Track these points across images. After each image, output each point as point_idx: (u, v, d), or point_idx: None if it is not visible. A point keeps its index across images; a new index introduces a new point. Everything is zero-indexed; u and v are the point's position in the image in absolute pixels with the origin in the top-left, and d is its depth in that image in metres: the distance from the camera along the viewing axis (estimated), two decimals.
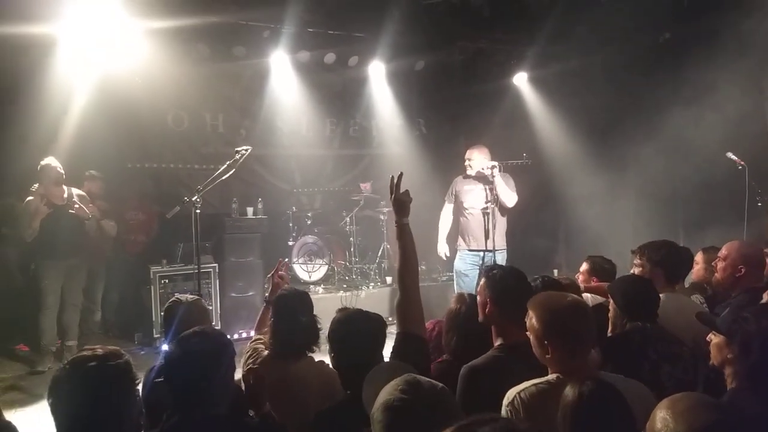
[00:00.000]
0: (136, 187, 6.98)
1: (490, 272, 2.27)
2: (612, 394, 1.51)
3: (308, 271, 7.35)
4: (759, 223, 5.20)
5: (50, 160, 5.25)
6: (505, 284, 2.20)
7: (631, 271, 3.29)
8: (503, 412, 1.83)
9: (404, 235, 2.29)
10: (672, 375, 2.14)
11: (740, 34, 5.81)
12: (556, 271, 7.64)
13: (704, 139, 5.90)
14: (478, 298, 2.30)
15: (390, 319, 3.32)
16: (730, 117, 5.76)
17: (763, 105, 6.39)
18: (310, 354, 2.65)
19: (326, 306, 6.00)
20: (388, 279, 7.42)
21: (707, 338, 2.12)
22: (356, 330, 2.19)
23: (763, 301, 2.66)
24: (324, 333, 2.40)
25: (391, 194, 2.37)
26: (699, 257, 3.53)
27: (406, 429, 1.24)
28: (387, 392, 1.33)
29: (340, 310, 2.35)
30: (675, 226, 7.03)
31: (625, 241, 7.28)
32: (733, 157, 5.27)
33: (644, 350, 2.20)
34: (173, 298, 2.77)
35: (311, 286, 7.19)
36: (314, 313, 2.71)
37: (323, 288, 7.24)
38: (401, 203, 2.32)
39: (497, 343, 2.19)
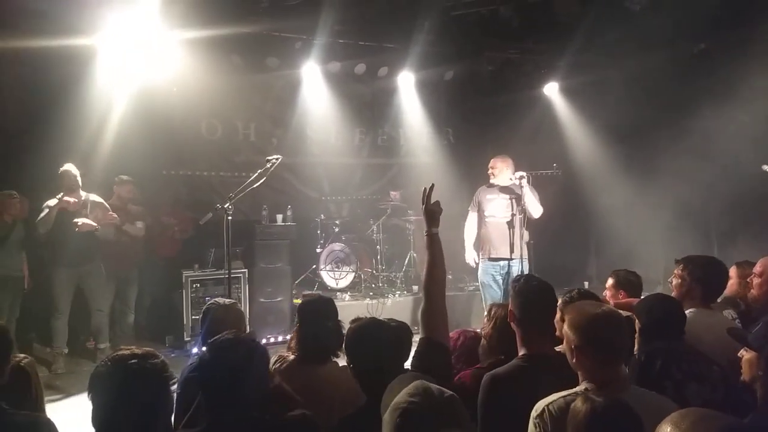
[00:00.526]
0: (170, 193, 7.17)
1: (515, 282, 2.30)
2: (624, 412, 1.50)
3: (335, 278, 7.42)
4: None
5: (68, 167, 5.41)
6: (529, 294, 2.22)
7: (669, 280, 3.24)
8: (531, 424, 1.82)
9: (433, 245, 2.34)
10: (699, 394, 2.10)
11: None
12: (586, 284, 7.55)
13: (738, 151, 5.79)
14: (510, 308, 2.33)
15: (416, 328, 3.34)
16: (764, 129, 5.64)
17: None
18: (335, 359, 2.68)
19: (352, 313, 5.98)
20: (415, 287, 7.44)
21: (739, 354, 2.09)
22: (369, 339, 2.23)
23: None
24: None
25: (423, 204, 2.41)
26: (732, 272, 3.45)
27: (412, 429, 1.28)
28: (399, 396, 1.39)
29: (354, 321, 2.39)
30: (708, 238, 6.88)
31: (656, 253, 7.19)
32: None
33: (667, 369, 2.18)
34: (211, 301, 2.85)
35: (338, 293, 7.25)
36: (339, 319, 2.73)
37: (350, 295, 7.30)
38: (432, 213, 2.38)
39: (521, 352, 2.20)
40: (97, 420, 1.69)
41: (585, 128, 7.83)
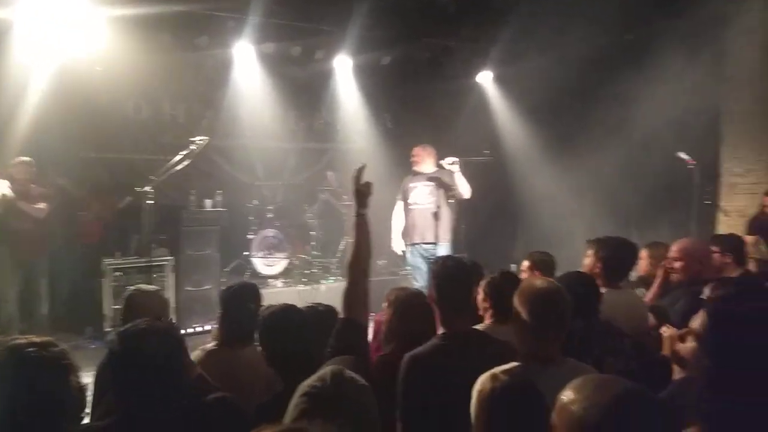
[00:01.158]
0: (93, 177, 6.78)
1: (432, 264, 2.36)
2: (525, 390, 1.54)
3: (268, 265, 7.27)
4: (706, 220, 5.38)
5: None
6: (445, 275, 2.26)
7: (583, 263, 3.36)
8: (474, 399, 1.81)
9: (360, 226, 2.32)
10: (615, 367, 2.20)
11: (697, 35, 5.99)
12: (513, 266, 7.75)
13: (658, 138, 6.07)
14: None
15: None
16: (683, 117, 5.94)
17: (716, 106, 6.61)
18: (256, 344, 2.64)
19: (285, 300, 5.92)
20: None
21: (661, 330, 2.19)
22: (281, 325, 2.24)
23: (705, 295, 2.72)
24: None
25: (353, 185, 2.39)
26: (643, 252, 3.61)
27: (315, 414, 1.25)
28: (309, 379, 1.36)
29: (264, 308, 2.42)
30: (626, 221, 7.22)
31: (580, 237, 7.48)
32: (685, 157, 5.42)
33: (587, 346, 2.25)
34: (133, 288, 2.77)
35: (270, 280, 7.12)
36: (264, 305, 2.71)
37: (283, 282, 7.18)
38: (361, 194, 2.35)
39: (441, 332, 2.22)
40: None
41: (516, 116, 8.02)
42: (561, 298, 1.98)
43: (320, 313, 2.72)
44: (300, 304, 5.66)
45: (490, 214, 7.41)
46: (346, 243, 7.60)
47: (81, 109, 6.44)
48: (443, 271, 2.26)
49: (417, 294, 2.51)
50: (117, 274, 5.82)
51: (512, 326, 2.05)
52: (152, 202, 3.98)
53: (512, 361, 1.94)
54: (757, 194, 5.63)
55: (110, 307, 5.70)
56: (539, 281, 2.09)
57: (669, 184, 6.03)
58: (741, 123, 6.55)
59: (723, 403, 1.40)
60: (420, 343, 2.14)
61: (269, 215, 7.54)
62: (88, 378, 2.02)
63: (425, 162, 5.84)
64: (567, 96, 7.31)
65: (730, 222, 5.86)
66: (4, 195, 5.23)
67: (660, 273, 3.39)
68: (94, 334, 5.86)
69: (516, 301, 2.00)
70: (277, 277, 7.25)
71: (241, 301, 2.69)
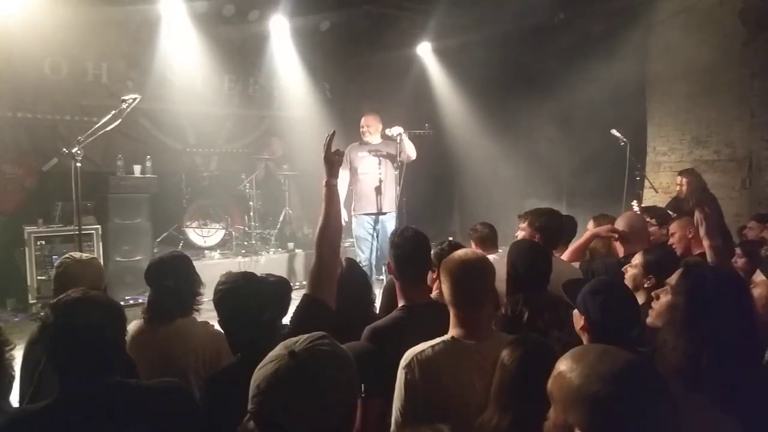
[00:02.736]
0: (10, 139, 6.24)
1: (392, 236, 2.32)
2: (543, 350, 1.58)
3: (203, 236, 7.04)
4: (635, 194, 5.69)
5: None
6: (403, 246, 2.24)
7: (516, 235, 3.46)
8: (400, 373, 1.84)
9: (331, 197, 2.18)
10: (560, 339, 2.25)
11: (626, 15, 6.23)
12: (450, 239, 7.93)
13: (591, 114, 6.31)
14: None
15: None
16: (615, 94, 6.20)
17: (642, 87, 6.94)
18: (189, 316, 2.59)
19: (222, 271, 5.75)
20: (290, 245, 7.30)
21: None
22: (238, 295, 2.13)
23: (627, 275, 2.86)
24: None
25: (324, 152, 2.25)
26: (590, 225, 3.77)
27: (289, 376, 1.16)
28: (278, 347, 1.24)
29: (224, 275, 2.28)
30: (559, 194, 7.53)
31: (512, 209, 7.75)
32: (617, 134, 5.68)
33: (533, 321, 2.29)
34: (65, 256, 2.57)
35: (206, 252, 6.90)
36: (195, 276, 2.66)
37: (220, 253, 6.97)
38: (332, 162, 2.22)
39: (401, 303, 2.22)
40: None
41: (455, 89, 8.08)
42: (483, 268, 1.96)
43: (272, 284, 2.65)
44: None
45: (429, 186, 7.49)
46: (286, 213, 7.47)
47: None
48: (402, 242, 2.24)
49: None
50: (41, 243, 5.47)
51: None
52: (80, 165, 3.70)
53: None
54: None
55: (35, 277, 5.35)
56: (462, 252, 2.05)
57: (601, 159, 6.31)
58: (664, 103, 6.95)
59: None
60: None
61: (204, 183, 7.25)
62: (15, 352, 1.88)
63: (377, 131, 5.77)
64: (505, 70, 7.43)
65: (656, 198, 6.24)
66: None
67: (587, 238, 3.58)
68: (18, 306, 5.56)
69: (440, 274, 1.98)
70: (214, 249, 7.04)
71: (157, 276, 2.57)
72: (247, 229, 7.35)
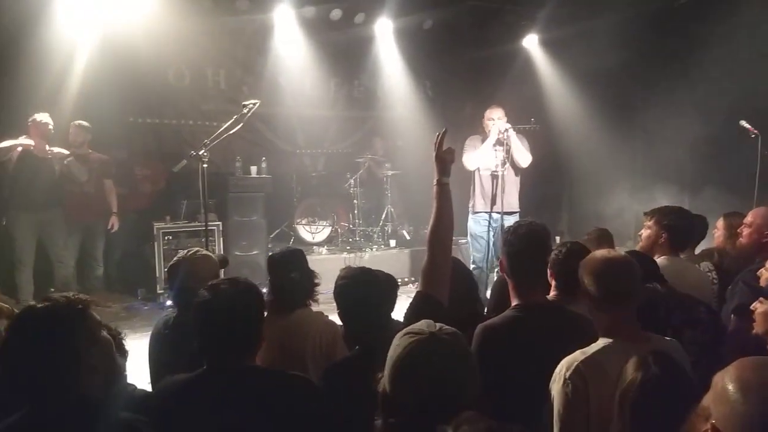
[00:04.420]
0: (138, 142, 6.89)
1: (504, 233, 2.22)
2: (676, 374, 1.48)
3: (311, 232, 7.34)
4: None
5: (43, 116, 5.22)
6: (517, 243, 2.15)
7: (640, 233, 3.28)
8: (562, 386, 1.75)
9: (443, 196, 2.16)
10: (694, 339, 2.10)
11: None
12: (558, 239, 7.64)
13: (718, 105, 5.80)
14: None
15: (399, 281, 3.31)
16: (744, 83, 5.65)
17: None
18: (306, 307, 2.71)
19: (330, 267, 5.97)
20: (392, 242, 7.42)
21: (752, 306, 2.11)
22: (358, 287, 2.21)
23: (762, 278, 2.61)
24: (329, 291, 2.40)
25: (434, 151, 2.23)
26: (720, 223, 3.50)
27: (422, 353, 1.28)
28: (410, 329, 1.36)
29: (344, 269, 2.37)
30: (680, 194, 6.99)
31: (627, 208, 7.31)
32: (747, 126, 5.18)
33: (668, 317, 2.16)
34: (190, 251, 2.70)
35: (314, 248, 7.18)
36: (311, 269, 2.79)
37: (327, 249, 7.24)
38: (443, 161, 2.20)
39: (514, 303, 2.15)
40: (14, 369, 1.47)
41: (563, 82, 7.75)
42: (628, 266, 1.86)
43: (384, 279, 2.71)
44: None
45: (536, 184, 7.25)
46: (388, 211, 7.59)
47: (125, 75, 6.47)
48: (515, 239, 2.15)
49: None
50: (168, 238, 5.96)
51: (581, 301, 1.97)
52: (206, 166, 3.99)
53: (589, 334, 1.89)
54: None
55: (162, 270, 5.83)
56: (602, 252, 1.96)
57: (729, 153, 5.78)
58: None
59: None
60: None
61: (312, 183, 7.56)
62: (141, 339, 2.02)
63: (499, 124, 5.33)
64: (619, 61, 7.02)
65: None
66: (21, 146, 5.22)
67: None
68: (147, 296, 6.04)
69: (581, 276, 1.89)
70: (322, 245, 7.31)
71: (281, 268, 2.71)
72: (351, 226, 7.56)
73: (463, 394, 1.26)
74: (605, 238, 3.43)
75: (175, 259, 2.68)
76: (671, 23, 6.79)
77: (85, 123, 5.72)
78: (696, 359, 2.00)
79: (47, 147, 5.32)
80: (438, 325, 1.34)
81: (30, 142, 5.20)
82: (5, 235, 5.38)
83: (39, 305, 1.50)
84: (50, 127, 5.24)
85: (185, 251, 2.70)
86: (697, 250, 3.51)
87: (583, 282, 1.88)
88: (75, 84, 5.95)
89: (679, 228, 3.07)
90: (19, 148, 5.17)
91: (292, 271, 2.68)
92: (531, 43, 7.95)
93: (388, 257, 7.08)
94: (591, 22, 7.13)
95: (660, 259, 3.06)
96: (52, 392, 1.41)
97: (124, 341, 1.83)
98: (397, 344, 1.31)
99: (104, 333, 1.57)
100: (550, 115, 7.57)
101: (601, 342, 1.82)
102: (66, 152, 5.47)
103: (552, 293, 2.51)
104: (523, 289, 2.16)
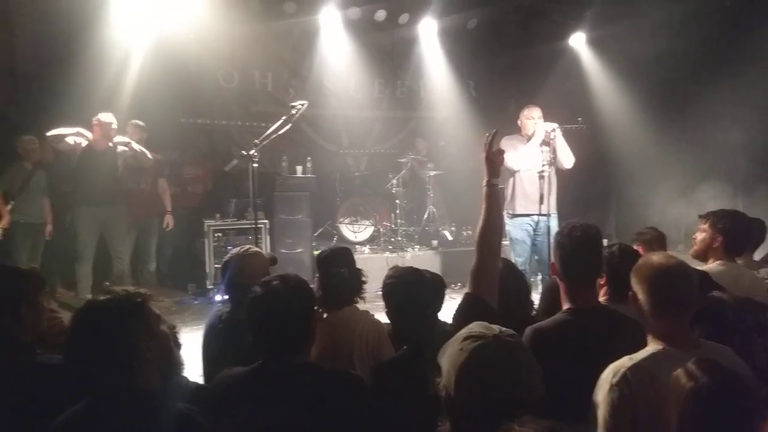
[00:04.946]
0: (189, 143, 7.11)
1: (561, 235, 2.17)
2: (730, 384, 1.43)
3: (354, 231, 7.42)
4: None
5: (107, 116, 5.37)
6: (571, 246, 2.12)
7: (694, 237, 3.20)
8: (609, 392, 1.72)
9: (492, 197, 2.17)
10: (765, 346, 2.02)
11: None
12: (605, 242, 7.47)
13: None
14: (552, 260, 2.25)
15: None
16: None
17: None
18: (354, 305, 2.73)
19: (372, 266, 6.05)
20: (434, 242, 7.41)
21: None
22: (407, 287, 2.22)
23: None
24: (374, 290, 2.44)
25: (484, 152, 2.23)
26: None
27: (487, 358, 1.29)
28: (466, 329, 1.37)
29: (392, 268, 2.39)
30: (733, 198, 6.74)
31: (678, 212, 7.08)
32: None
33: (735, 322, 2.08)
34: (242, 248, 2.78)
35: (357, 246, 7.25)
36: (359, 267, 2.81)
37: (369, 248, 7.30)
38: (493, 163, 2.21)
39: (565, 306, 2.13)
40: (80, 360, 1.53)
41: (612, 81, 7.59)
42: (685, 273, 1.80)
43: (432, 279, 2.72)
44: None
45: (582, 185, 7.11)
46: (430, 211, 7.60)
47: (177, 77, 6.72)
48: (570, 242, 2.11)
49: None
50: (218, 235, 6.15)
51: (632, 306, 1.93)
52: (257, 165, 4.12)
53: (641, 340, 1.85)
54: None
55: (212, 265, 6.02)
56: (657, 257, 1.90)
57: None
58: None
59: None
60: None
61: (355, 183, 7.64)
62: (191, 333, 2.09)
63: (542, 124, 5.14)
64: (670, 60, 6.82)
65: None
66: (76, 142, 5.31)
67: None
68: (198, 291, 6.23)
69: (633, 281, 1.84)
70: (364, 244, 7.38)
71: (330, 265, 2.74)
72: (393, 226, 7.59)
73: (530, 396, 1.28)
74: (658, 240, 3.34)
75: (227, 255, 2.77)
76: (723, 20, 6.55)
77: (141, 122, 5.94)
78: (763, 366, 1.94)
79: (117, 148, 5.44)
80: (496, 327, 1.35)
81: (87, 134, 5.30)
82: (69, 230, 5.62)
83: (100, 299, 1.59)
84: (114, 126, 5.40)
85: (238, 248, 2.78)
86: (757, 256, 3.40)
87: (635, 287, 1.84)
88: (129, 85, 6.20)
89: (736, 232, 2.98)
90: (75, 141, 5.23)
91: (341, 266, 2.71)
92: (578, 41, 7.81)
93: (430, 258, 7.08)
94: (640, 20, 6.96)
95: (715, 264, 2.98)
96: (113, 383, 1.47)
97: (177, 335, 1.94)
98: (459, 348, 1.31)
99: (162, 326, 1.62)
100: (596, 115, 7.42)
101: (651, 348, 1.79)
102: (126, 139, 5.57)
103: (602, 296, 2.48)
104: (575, 293, 2.13)
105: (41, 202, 5.58)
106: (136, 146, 5.59)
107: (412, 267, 2.35)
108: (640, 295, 1.81)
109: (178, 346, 1.87)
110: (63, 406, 1.54)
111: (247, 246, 2.92)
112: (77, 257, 5.45)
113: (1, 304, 1.93)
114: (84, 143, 5.30)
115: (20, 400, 1.76)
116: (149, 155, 5.64)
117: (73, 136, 5.23)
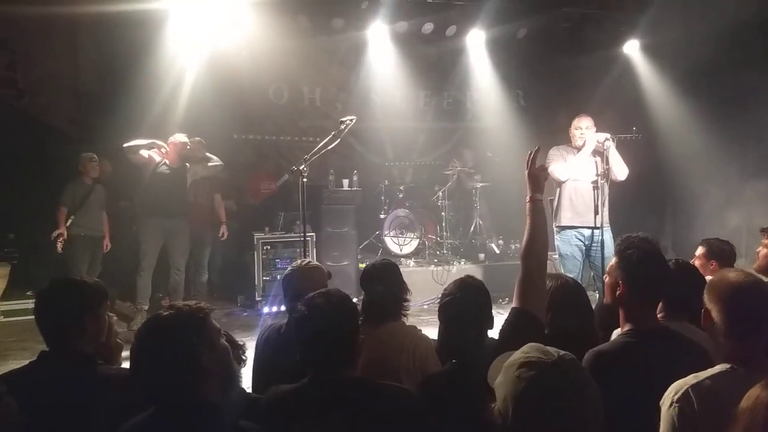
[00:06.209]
0: (240, 158, 7.29)
1: (625, 251, 2.08)
2: None
3: (399, 244, 7.39)
4: None
5: (180, 136, 5.54)
6: (642, 265, 2.02)
7: (757, 251, 3.04)
8: (670, 409, 1.66)
9: (536, 212, 2.17)
10: None
11: None
12: (677, 258, 7.18)
13: None
14: (607, 278, 2.16)
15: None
16: None
17: None
18: (401, 320, 2.72)
19: (417, 279, 6.05)
20: (481, 255, 7.30)
21: None
22: (462, 300, 2.23)
23: None
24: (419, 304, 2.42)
25: (527, 168, 2.26)
26: None
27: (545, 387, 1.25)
28: (521, 353, 1.33)
29: (451, 283, 2.38)
30: None
31: (738, 223, 6.74)
32: None
33: None
34: (303, 261, 2.84)
35: (402, 259, 7.22)
36: (403, 282, 2.79)
37: (414, 261, 7.26)
38: (536, 178, 2.22)
39: (626, 327, 2.04)
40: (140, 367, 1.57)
41: (667, 89, 7.32)
42: (763, 293, 1.71)
43: (481, 292, 2.67)
44: (433, 284, 5.62)
45: (636, 197, 6.88)
46: (476, 224, 7.50)
47: (229, 93, 6.93)
48: (641, 262, 2.02)
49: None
50: (266, 247, 6.25)
51: (704, 325, 1.83)
52: (306, 180, 4.17)
53: (706, 363, 1.77)
54: None
55: (261, 278, 6.12)
56: (734, 274, 1.81)
57: None
58: None
59: None
60: None
61: (400, 195, 7.64)
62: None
63: (593, 134, 4.93)
64: (728, 67, 6.53)
65: None
66: (150, 155, 5.49)
67: None
68: (246, 303, 6.34)
69: (707, 298, 1.77)
70: (409, 257, 7.34)
71: (369, 281, 2.75)
72: (438, 239, 7.53)
73: (591, 427, 1.24)
74: (725, 255, 3.16)
75: (288, 269, 2.82)
76: None
77: (202, 140, 6.14)
78: None
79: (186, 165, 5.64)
80: (554, 350, 1.30)
81: (161, 144, 5.46)
82: (126, 243, 5.82)
83: (165, 313, 1.62)
84: (188, 146, 5.58)
85: (299, 261, 2.85)
86: None
87: (709, 305, 1.76)
88: (183, 102, 6.43)
89: None
90: (149, 155, 5.43)
91: (381, 281, 2.73)
92: (632, 48, 7.59)
93: (476, 271, 6.97)
94: (697, 25, 6.70)
95: None
96: (175, 395, 1.51)
97: (244, 352, 1.99)
98: (516, 376, 1.27)
99: (222, 340, 1.67)
100: (653, 124, 7.18)
101: (719, 368, 1.70)
102: (214, 158, 5.79)
103: (659, 313, 2.36)
104: (637, 313, 2.04)
105: (100, 216, 5.80)
106: (215, 161, 5.81)
107: (467, 281, 2.33)
108: (714, 314, 1.73)
109: (242, 362, 1.95)
110: (121, 417, 1.59)
111: (307, 259, 2.96)
112: (137, 267, 5.58)
113: (67, 315, 1.99)
114: (157, 158, 5.49)
115: (80, 411, 1.82)
116: (219, 165, 5.81)
117: (146, 149, 5.42)
